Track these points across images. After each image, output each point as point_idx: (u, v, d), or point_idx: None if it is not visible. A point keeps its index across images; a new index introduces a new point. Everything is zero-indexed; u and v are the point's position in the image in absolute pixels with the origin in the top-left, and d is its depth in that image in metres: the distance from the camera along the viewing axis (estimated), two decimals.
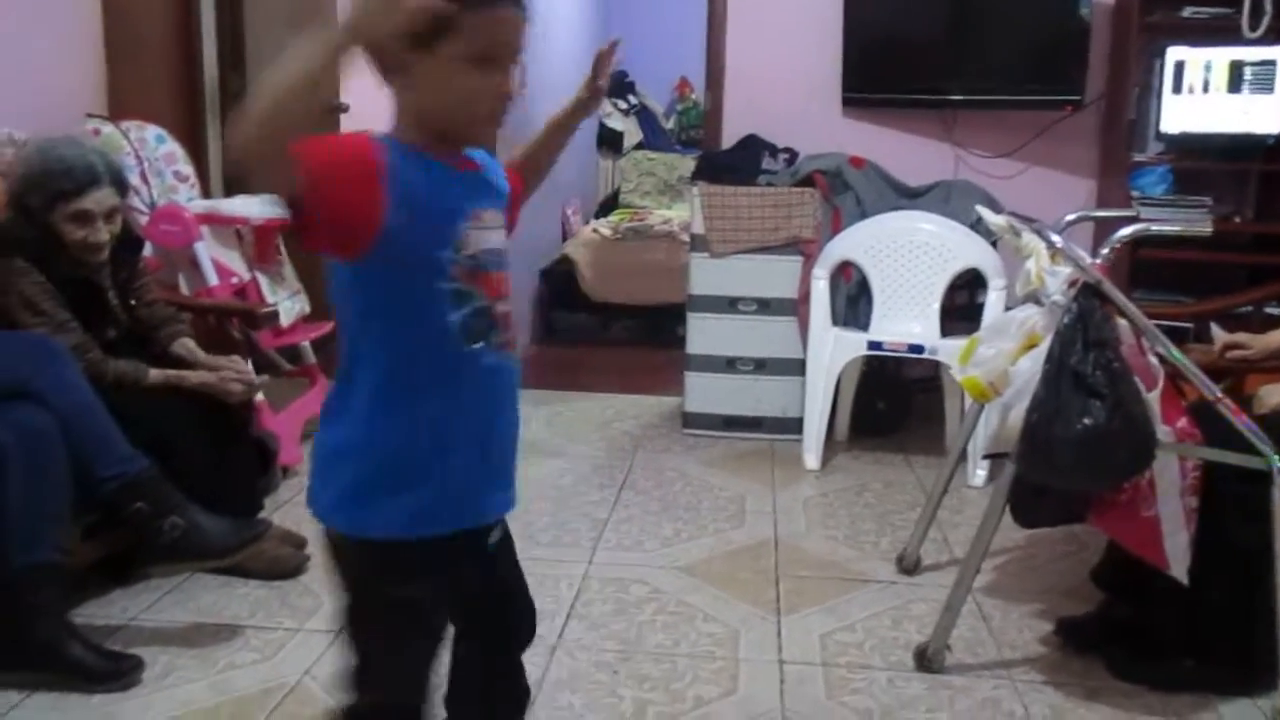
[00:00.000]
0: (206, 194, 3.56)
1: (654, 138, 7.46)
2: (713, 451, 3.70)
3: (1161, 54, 3.64)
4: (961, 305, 3.66)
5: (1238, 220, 3.77)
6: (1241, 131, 3.60)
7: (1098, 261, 2.11)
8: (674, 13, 6.93)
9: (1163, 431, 1.99)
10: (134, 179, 3.01)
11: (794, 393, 3.72)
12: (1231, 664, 2.14)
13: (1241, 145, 3.65)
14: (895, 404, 3.92)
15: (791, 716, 2.06)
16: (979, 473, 3.37)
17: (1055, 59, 3.91)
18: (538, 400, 4.22)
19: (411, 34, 1.11)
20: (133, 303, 2.58)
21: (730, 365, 3.83)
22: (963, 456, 2.78)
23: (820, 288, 3.58)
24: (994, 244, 3.48)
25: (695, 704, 2.09)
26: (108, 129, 3.13)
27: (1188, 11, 3.66)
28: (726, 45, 4.17)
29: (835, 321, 3.60)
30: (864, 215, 3.68)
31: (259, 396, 2.86)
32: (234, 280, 3.28)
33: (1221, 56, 3.57)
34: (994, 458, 3.09)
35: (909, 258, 3.57)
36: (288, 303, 3.46)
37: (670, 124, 7.82)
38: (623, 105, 7.41)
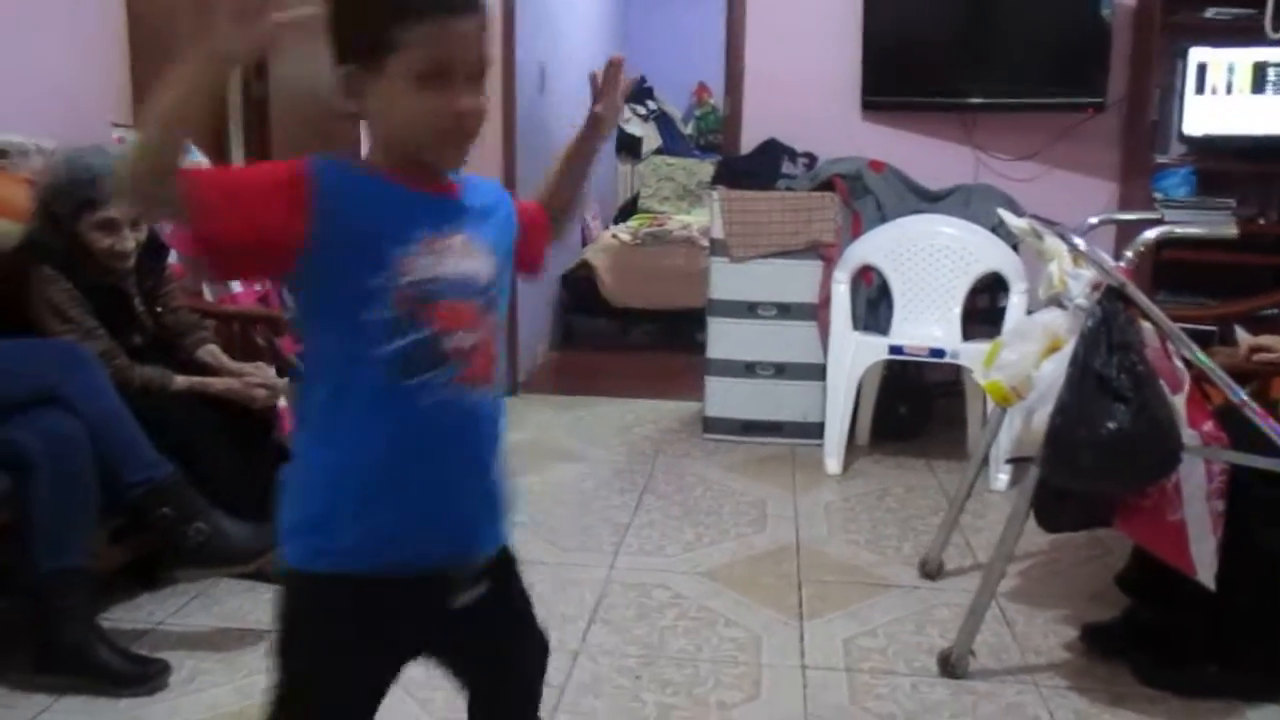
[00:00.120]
0: None
1: (673, 143, 7.46)
2: (733, 456, 3.70)
3: (1184, 55, 3.62)
4: (983, 309, 3.65)
5: (1262, 222, 3.74)
6: (1266, 133, 3.57)
7: (1121, 264, 2.10)
8: (693, 17, 6.93)
9: (1188, 435, 1.98)
10: None
11: (814, 397, 3.72)
12: (1258, 669, 2.12)
13: (1266, 147, 3.62)
14: (916, 408, 3.91)
15: None
16: (1001, 477, 3.36)
17: (1076, 61, 3.89)
18: (558, 405, 4.24)
19: (354, 53, 1.08)
20: (158, 309, 2.60)
21: (750, 370, 3.82)
22: (985, 461, 2.77)
23: (841, 292, 3.58)
24: (1015, 247, 3.47)
25: (718, 709, 2.08)
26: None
27: (1210, 12, 3.64)
28: (745, 49, 4.17)
29: (856, 326, 3.59)
30: (884, 219, 3.68)
31: (282, 402, 2.87)
32: (257, 287, 3.30)
33: (1245, 58, 3.55)
34: (1017, 462, 3.06)
35: (930, 261, 3.56)
36: None
37: (689, 129, 7.82)
38: (641, 110, 7.42)
